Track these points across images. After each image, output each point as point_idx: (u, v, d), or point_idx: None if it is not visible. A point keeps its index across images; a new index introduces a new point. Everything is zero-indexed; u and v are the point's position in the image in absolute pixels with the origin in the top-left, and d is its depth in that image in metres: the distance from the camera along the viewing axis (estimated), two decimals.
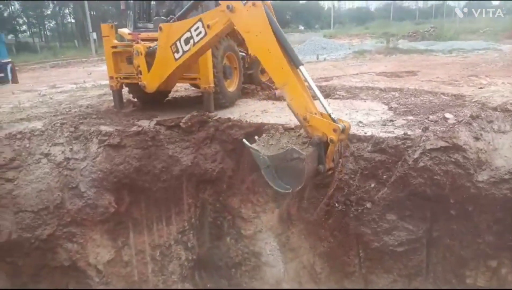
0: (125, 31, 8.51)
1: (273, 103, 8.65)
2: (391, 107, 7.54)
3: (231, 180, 7.28)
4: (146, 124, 7.47)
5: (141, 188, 7.15)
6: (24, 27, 49.14)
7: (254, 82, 10.08)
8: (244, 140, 5.62)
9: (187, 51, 6.47)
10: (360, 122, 6.47)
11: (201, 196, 7.44)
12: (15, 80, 7.45)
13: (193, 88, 10.31)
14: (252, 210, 7.21)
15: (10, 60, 7.32)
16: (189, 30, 6.35)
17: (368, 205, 5.85)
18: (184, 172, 7.20)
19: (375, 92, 9.21)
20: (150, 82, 7.18)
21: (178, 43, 6.53)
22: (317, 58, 21.14)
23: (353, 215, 5.92)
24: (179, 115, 7.69)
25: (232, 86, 8.78)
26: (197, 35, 6.29)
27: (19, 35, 48.31)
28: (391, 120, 6.55)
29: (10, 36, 47.52)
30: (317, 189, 6.26)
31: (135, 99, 9.16)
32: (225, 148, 7.23)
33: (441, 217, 5.85)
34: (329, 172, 5.43)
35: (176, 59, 6.66)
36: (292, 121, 6.99)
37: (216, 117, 7.51)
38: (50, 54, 34.07)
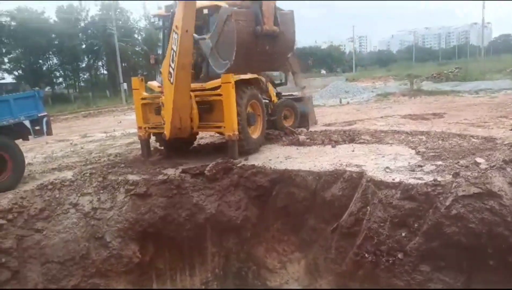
0: (154, 84, 8.91)
1: (297, 148, 8.63)
2: (419, 152, 7.36)
3: (256, 228, 7.16)
4: (171, 172, 7.57)
5: (166, 237, 7.13)
6: (60, 79, 52.41)
7: (278, 128, 10.16)
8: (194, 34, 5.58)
9: (174, 65, 6.91)
10: (387, 167, 6.31)
11: (225, 245, 7.32)
12: (49, 132, 7.79)
13: (218, 135, 10.49)
14: (277, 260, 7.00)
15: (46, 113, 7.69)
16: (171, 49, 6.86)
17: (400, 255, 5.54)
18: (208, 220, 7.16)
19: (401, 136, 9.06)
20: (167, 129, 7.46)
21: (170, 68, 7.02)
22: (340, 102, 21.27)
23: (384, 266, 5.61)
24: (204, 162, 7.78)
25: (256, 133, 8.88)
26: (174, 44, 6.89)
27: (55, 86, 51.45)
28: (420, 166, 6.36)
29: (47, 88, 50.71)
30: (345, 239, 6.03)
31: (162, 148, 9.37)
32: (249, 195, 7.18)
33: (479, 268, 5.46)
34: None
35: (171, 83, 7.03)
36: (317, 166, 6.94)
37: (240, 164, 7.54)
38: (83, 104, 35.86)
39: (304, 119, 11.17)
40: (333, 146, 8.50)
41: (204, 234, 7.17)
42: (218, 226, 7.17)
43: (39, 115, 7.54)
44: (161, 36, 9.11)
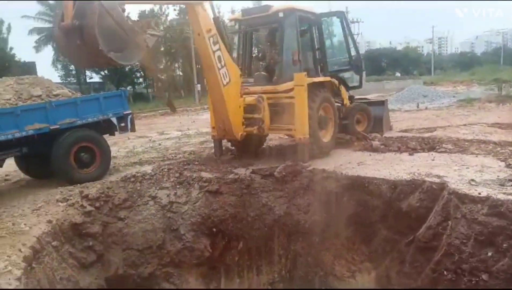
0: None
1: (370, 154, 8.34)
2: (509, 165, 6.69)
3: (325, 233, 7.03)
4: (242, 172, 7.75)
5: (235, 235, 7.31)
6: (141, 79, 56.34)
7: (350, 132, 9.90)
8: None
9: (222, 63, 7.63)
10: (472, 180, 5.83)
11: (293, 248, 7.29)
12: (133, 129, 8.45)
13: (287, 137, 10.51)
14: (346, 268, 6.82)
15: (130, 111, 8.34)
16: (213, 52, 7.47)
17: (484, 276, 5.08)
18: (276, 221, 7.20)
19: (488, 146, 8.30)
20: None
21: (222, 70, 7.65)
22: (417, 107, 20.09)
23: (465, 286, 5.19)
24: (273, 164, 7.84)
25: (327, 137, 8.74)
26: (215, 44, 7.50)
27: (136, 86, 55.41)
28: (511, 180, 5.78)
29: (129, 88, 54.87)
30: (421, 253, 5.69)
31: (233, 147, 9.63)
32: (318, 199, 7.07)
33: None
34: None
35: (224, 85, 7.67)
36: (393, 175, 6.64)
37: (310, 168, 7.48)
38: (161, 103, 38.18)
39: (378, 124, 10.74)
40: (410, 154, 8.06)
41: (272, 235, 7.22)
42: (286, 228, 7.18)
43: (124, 112, 8.19)
44: (236, 39, 9.36)
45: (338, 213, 6.88)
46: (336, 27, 9.52)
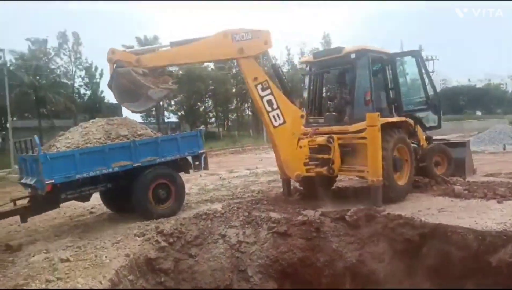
0: None
1: (451, 200, 7.68)
2: None
3: (402, 285, 6.47)
4: (311, 214, 7.56)
5: (303, 280, 7.03)
6: (213, 119, 59.31)
7: (428, 175, 9.26)
8: None
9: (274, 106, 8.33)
10: None
11: None
12: (206, 167, 8.80)
13: (357, 178, 10.13)
14: None
15: (205, 150, 8.71)
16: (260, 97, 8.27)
17: None
18: (348, 269, 6.82)
19: None
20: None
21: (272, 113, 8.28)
22: (504, 149, 18.34)
23: None
24: (344, 207, 7.57)
25: (402, 180, 8.28)
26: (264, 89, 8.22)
27: (208, 125, 58.34)
28: None
29: (201, 127, 57.94)
30: None
31: (301, 188, 9.50)
32: (394, 248, 6.61)
33: None
34: None
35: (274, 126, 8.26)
36: (480, 224, 6.01)
37: (385, 213, 7.06)
38: (230, 142, 39.60)
39: (459, 167, 9.95)
40: (499, 201, 7.28)
41: (343, 283, 6.82)
42: (359, 277, 6.75)
43: (199, 151, 8.57)
44: (306, 80, 9.50)
45: (416, 264, 6.33)
46: (411, 66, 9.21)
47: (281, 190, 9.59)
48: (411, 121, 9.14)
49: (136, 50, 10.07)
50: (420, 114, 9.79)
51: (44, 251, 6.16)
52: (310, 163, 8.18)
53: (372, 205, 7.42)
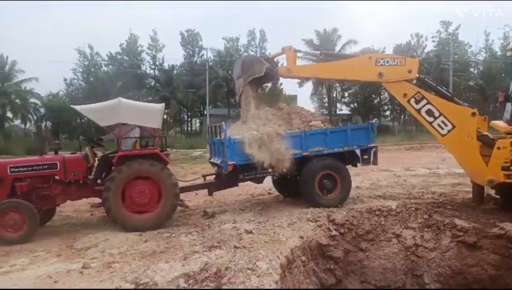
0: (499, 123, 7.87)
1: None
2: None
3: None
4: (510, 227, 6.37)
5: None
6: (388, 112, 56.24)
7: None
8: None
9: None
10: None
11: None
12: (375, 162, 8.40)
13: None
14: None
15: (375, 145, 8.33)
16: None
17: None
18: None
19: None
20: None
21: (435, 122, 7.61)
22: None
23: None
24: None
25: None
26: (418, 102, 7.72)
27: (381, 119, 55.63)
28: None
29: (374, 120, 55.65)
30: None
31: (497, 196, 8.09)
32: None
33: None
34: None
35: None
36: None
37: None
38: (406, 137, 36.81)
39: None
40: None
41: None
42: None
43: (368, 145, 8.24)
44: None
45: None
46: None
47: (470, 195, 8.38)
48: None
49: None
50: None
51: (232, 221, 7.08)
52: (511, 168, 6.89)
53: None
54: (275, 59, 8.95)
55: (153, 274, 4.46)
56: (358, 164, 8.59)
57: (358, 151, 8.35)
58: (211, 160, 8.86)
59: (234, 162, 7.44)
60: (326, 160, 8.01)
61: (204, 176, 9.18)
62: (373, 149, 8.32)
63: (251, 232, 6.19)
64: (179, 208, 7.76)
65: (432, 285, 6.22)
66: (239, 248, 5.36)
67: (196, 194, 10.04)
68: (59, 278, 4.73)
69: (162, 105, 7.80)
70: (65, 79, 47.20)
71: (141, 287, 4.18)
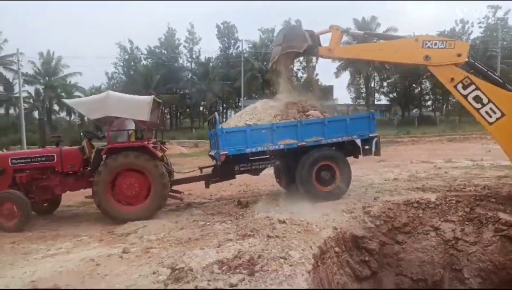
0: None
1: None
2: None
3: None
4: None
5: None
6: (429, 102, 53.98)
7: None
8: None
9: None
10: None
11: None
12: (377, 153, 8.08)
13: None
14: None
15: (377, 134, 8.02)
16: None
17: None
18: None
19: None
20: None
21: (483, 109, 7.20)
22: None
23: None
24: None
25: None
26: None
27: (422, 109, 53.50)
28: None
29: (414, 110, 53.59)
30: None
31: None
32: None
33: None
34: None
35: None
36: None
37: None
38: (448, 128, 35.25)
39: None
40: None
41: None
42: None
43: (370, 135, 7.95)
44: None
45: None
46: None
47: None
48: None
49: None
50: None
51: (266, 211, 7.13)
52: None
53: None
54: (320, 37, 8.68)
55: (188, 260, 4.60)
56: (360, 156, 8.28)
57: (358, 141, 8.07)
58: (209, 153, 8.80)
59: (227, 152, 7.37)
60: (324, 151, 7.81)
61: (200, 168, 9.15)
62: (375, 139, 8.03)
63: (284, 222, 6.21)
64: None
65: (472, 280, 6.00)
66: (272, 237, 5.41)
67: (230, 184, 10.17)
68: (100, 262, 5.00)
69: (151, 97, 7.69)
70: (106, 73, 49.32)
71: (177, 271, 4.33)
